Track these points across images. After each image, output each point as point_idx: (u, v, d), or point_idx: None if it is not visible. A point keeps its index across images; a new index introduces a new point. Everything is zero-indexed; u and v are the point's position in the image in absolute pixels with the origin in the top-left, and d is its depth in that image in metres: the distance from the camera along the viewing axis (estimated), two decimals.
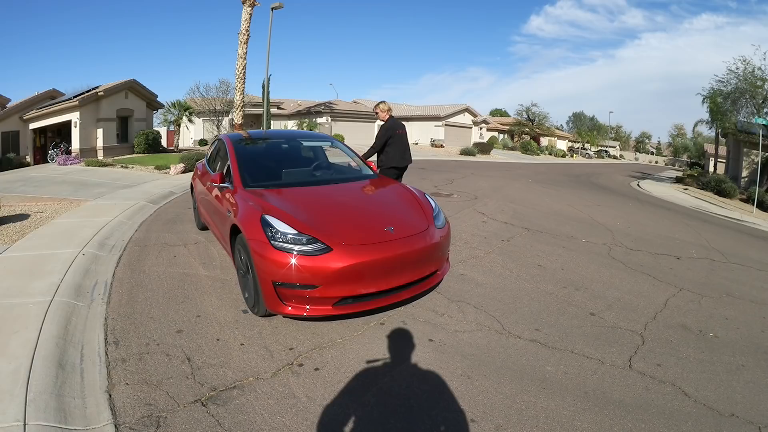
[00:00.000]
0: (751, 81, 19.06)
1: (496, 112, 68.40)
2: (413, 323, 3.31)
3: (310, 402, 2.36)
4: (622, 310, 3.85)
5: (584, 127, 64.18)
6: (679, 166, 48.08)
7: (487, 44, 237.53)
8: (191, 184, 6.13)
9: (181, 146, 26.29)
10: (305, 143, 5.20)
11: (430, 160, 23.01)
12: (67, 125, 19.18)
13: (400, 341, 3.05)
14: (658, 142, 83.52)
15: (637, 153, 69.81)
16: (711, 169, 29.84)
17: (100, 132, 19.53)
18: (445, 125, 37.17)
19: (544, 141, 48.89)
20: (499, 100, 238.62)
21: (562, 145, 53.29)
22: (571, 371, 2.80)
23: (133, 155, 19.00)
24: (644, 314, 3.81)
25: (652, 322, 3.65)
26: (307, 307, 2.95)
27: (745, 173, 20.61)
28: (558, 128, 63.84)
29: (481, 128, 42.50)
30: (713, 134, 28.62)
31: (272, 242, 2.98)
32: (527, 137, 46.38)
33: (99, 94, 19.25)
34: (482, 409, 2.37)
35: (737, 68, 19.51)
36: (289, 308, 2.97)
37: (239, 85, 17.90)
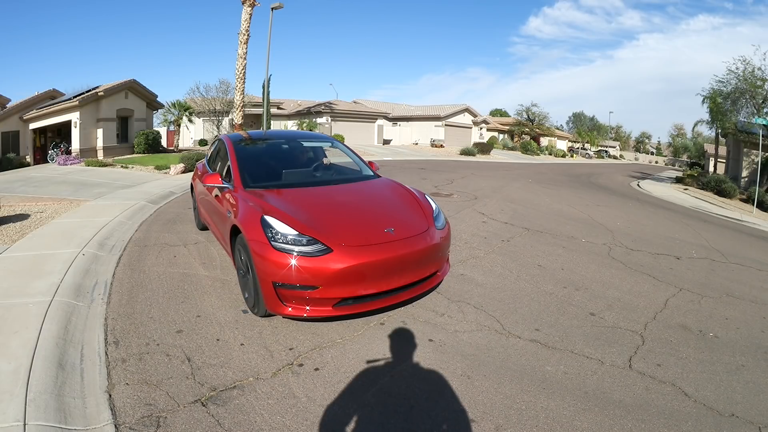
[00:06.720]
0: (751, 81, 19.05)
1: (496, 113, 68.39)
2: (413, 323, 3.31)
3: (310, 402, 2.36)
4: (622, 310, 3.85)
5: (584, 127, 64.26)
6: (679, 166, 48.05)
7: (486, 45, 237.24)
8: (191, 184, 6.13)
9: (181, 146, 26.28)
10: (305, 144, 5.19)
11: (430, 160, 23.01)
12: (67, 125, 19.17)
13: (400, 341, 3.05)
14: (658, 142, 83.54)
15: (637, 153, 69.80)
16: (711, 169, 29.83)
17: (100, 132, 19.52)
18: (445, 125, 37.18)
19: (544, 141, 48.89)
20: (499, 100, 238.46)
21: (562, 145, 53.30)
22: (571, 371, 2.80)
23: (133, 155, 19.00)
24: (644, 314, 3.81)
25: (652, 322, 3.65)
26: (308, 307, 2.95)
27: (745, 173, 20.61)
28: (558, 128, 63.89)
29: (481, 128, 42.51)
30: (713, 134, 28.61)
31: (272, 243, 2.98)
32: (527, 137, 46.38)
33: (99, 94, 19.25)
34: (482, 409, 2.37)
35: (737, 68, 19.52)
36: (289, 309, 2.97)
37: (239, 85, 17.90)
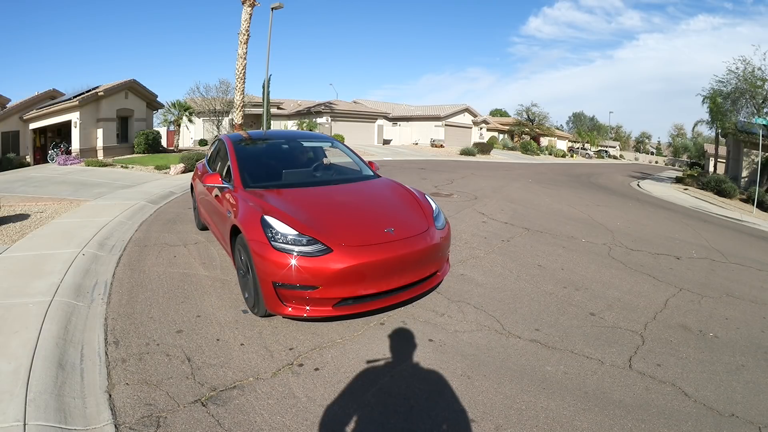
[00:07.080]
0: (751, 81, 19.04)
1: (496, 113, 68.38)
2: (413, 323, 3.31)
3: (310, 402, 2.36)
4: (622, 310, 3.85)
5: (584, 127, 64.31)
6: (679, 166, 48.04)
7: (486, 45, 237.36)
8: (191, 184, 6.13)
9: (181, 146, 26.28)
10: (305, 144, 5.19)
11: (430, 160, 23.00)
12: (67, 125, 19.17)
13: (400, 341, 3.05)
14: (658, 142, 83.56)
15: (637, 153, 69.80)
16: (711, 169, 29.84)
17: (100, 132, 19.52)
18: (445, 125, 37.18)
19: (544, 141, 48.89)
20: (499, 100, 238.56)
21: (562, 145, 53.30)
22: (571, 371, 2.80)
23: (133, 155, 19.00)
24: (644, 314, 3.81)
25: (652, 322, 3.65)
26: (308, 307, 2.95)
27: (745, 173, 20.61)
28: (558, 128, 63.92)
29: (481, 128, 42.51)
30: (713, 134, 28.62)
31: (272, 243, 2.98)
32: (527, 137, 46.38)
33: (99, 94, 19.24)
34: (482, 409, 2.37)
35: (737, 68, 19.51)
36: (289, 309, 2.97)
37: (239, 85, 17.90)
